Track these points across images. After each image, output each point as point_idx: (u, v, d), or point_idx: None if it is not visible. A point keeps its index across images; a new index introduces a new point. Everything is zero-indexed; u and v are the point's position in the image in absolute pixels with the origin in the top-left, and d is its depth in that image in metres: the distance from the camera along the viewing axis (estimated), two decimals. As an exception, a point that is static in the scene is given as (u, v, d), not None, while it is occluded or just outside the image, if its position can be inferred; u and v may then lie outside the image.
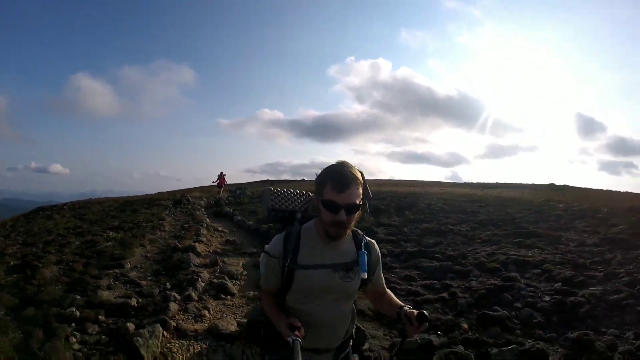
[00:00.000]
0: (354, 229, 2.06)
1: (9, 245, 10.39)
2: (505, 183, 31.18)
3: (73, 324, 5.10)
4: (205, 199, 19.36)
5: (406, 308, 1.98)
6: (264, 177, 25.11)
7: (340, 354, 2.17)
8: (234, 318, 5.67)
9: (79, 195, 23.83)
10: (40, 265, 7.73)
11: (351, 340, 2.25)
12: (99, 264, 7.84)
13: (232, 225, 13.44)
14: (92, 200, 22.79)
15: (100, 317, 5.30)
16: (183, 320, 5.34)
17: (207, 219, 13.88)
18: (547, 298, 6.25)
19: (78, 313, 5.32)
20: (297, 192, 2.43)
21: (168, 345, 4.70)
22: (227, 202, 18.84)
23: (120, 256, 8.19)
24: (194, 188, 29.13)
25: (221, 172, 23.54)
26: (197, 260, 8.15)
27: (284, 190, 2.40)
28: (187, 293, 6.13)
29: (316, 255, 1.98)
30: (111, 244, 9.49)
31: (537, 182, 30.82)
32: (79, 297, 5.94)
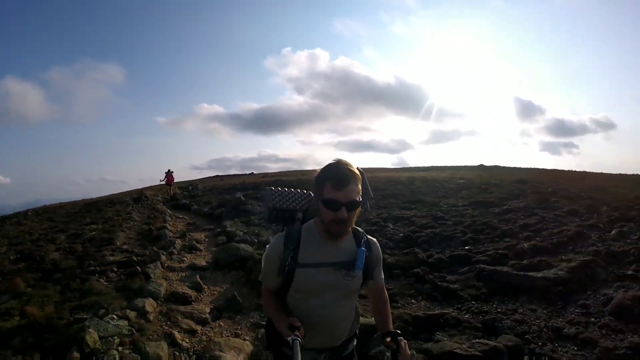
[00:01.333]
0: (355, 227, 2.13)
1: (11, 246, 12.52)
2: (442, 166, 34.35)
3: (96, 275, 7.77)
4: (161, 196, 21.79)
5: (386, 336, 2.09)
6: (211, 173, 25.25)
7: (343, 353, 2.22)
8: (203, 259, 8.72)
9: (23, 205, 24.58)
10: (43, 253, 10.05)
11: (355, 340, 2.31)
12: (94, 245, 10.38)
13: (190, 213, 16.17)
14: (51, 206, 24.16)
15: (114, 268, 8.00)
16: (171, 263, 8.31)
17: (169, 210, 16.46)
18: (401, 234, 9.88)
19: (98, 268, 8.00)
20: (298, 191, 2.45)
21: (165, 274, 7.65)
22: (182, 196, 21.31)
23: (108, 238, 10.74)
24: (145, 188, 30.52)
25: (168, 170, 23.86)
26: (171, 234, 10.98)
27: (285, 190, 2.44)
28: (170, 250, 9.06)
29: (317, 254, 2.03)
30: (95, 233, 11.96)
31: (473, 164, 34.11)
32: (92, 262, 8.56)
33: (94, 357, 4.47)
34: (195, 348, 4.98)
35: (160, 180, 24.05)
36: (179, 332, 5.33)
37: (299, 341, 1.77)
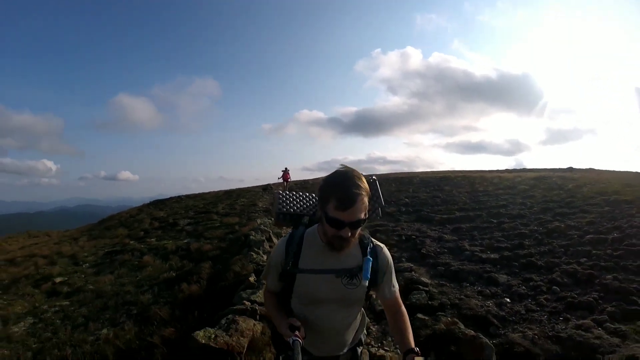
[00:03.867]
0: (360, 232, 2.00)
1: (183, 213, 18.92)
2: (547, 169, 32.12)
3: (258, 220, 13.21)
4: (281, 189, 27.90)
5: (412, 355, 1.90)
6: (322, 174, 28.98)
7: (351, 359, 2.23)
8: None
9: (149, 199, 30.38)
10: (217, 224, 15.33)
11: (361, 347, 2.31)
12: (246, 209, 16.13)
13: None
14: (194, 194, 30.71)
15: (260, 214, 13.45)
16: None
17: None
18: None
19: (253, 215, 13.50)
20: (306, 195, 2.46)
21: None
22: (296, 189, 27.03)
23: (254, 204, 16.52)
24: (263, 185, 34.45)
25: (285, 168, 25.58)
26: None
27: (293, 194, 2.45)
28: None
29: (318, 260, 1.99)
30: (244, 203, 17.91)
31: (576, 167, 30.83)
32: (249, 213, 14.15)
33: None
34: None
35: (278, 178, 25.83)
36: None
37: (299, 342, 1.78)
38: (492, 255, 8.43)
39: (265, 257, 8.07)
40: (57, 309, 7.22)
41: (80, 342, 5.41)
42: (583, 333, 4.92)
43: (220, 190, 30.67)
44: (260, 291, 5.67)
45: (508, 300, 6.22)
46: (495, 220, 11.70)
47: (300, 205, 2.37)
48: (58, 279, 8.99)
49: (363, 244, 2.04)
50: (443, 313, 5.61)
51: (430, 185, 21.75)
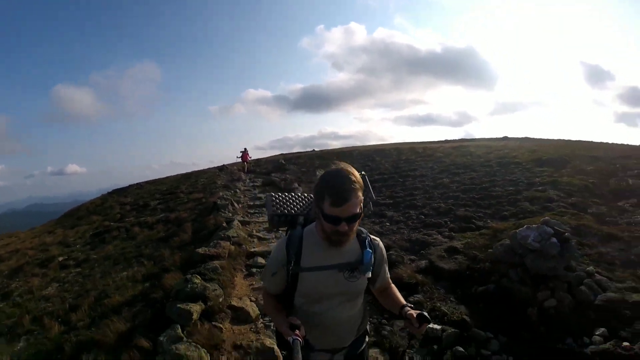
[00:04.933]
0: (357, 227, 2.10)
1: (150, 197, 20.94)
2: (487, 138, 35.30)
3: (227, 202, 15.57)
4: (236, 168, 29.97)
5: (407, 308, 2.09)
6: (275, 152, 29.52)
7: (355, 351, 2.32)
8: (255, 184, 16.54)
9: (102, 190, 30.95)
10: (185, 200, 17.92)
11: (366, 337, 2.41)
12: (210, 187, 18.37)
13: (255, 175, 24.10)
14: (153, 180, 32.32)
15: (221, 188, 15.83)
16: (244, 186, 16.12)
17: (242, 174, 24.44)
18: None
19: (215, 190, 15.83)
20: (298, 195, 2.54)
21: (240, 189, 15.43)
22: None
23: (213, 182, 18.75)
24: (219, 166, 36.25)
25: (245, 149, 26.28)
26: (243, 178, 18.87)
27: (285, 195, 2.51)
28: (242, 183, 16.91)
29: (319, 257, 2.08)
30: (205, 181, 20.11)
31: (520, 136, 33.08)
32: (211, 189, 16.45)
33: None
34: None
35: (237, 157, 26.51)
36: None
37: (299, 341, 1.81)
38: (388, 201, 11.96)
39: (230, 214, 10.57)
40: (74, 274, 9.33)
41: (108, 283, 7.67)
42: (427, 237, 8.19)
43: (178, 174, 32.30)
44: (231, 229, 8.28)
45: (388, 224, 9.62)
46: (401, 180, 15.35)
47: (294, 206, 2.45)
48: (61, 258, 10.93)
49: (361, 237, 2.16)
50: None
51: (366, 156, 24.92)
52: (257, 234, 9.29)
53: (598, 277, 5.70)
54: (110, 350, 4.79)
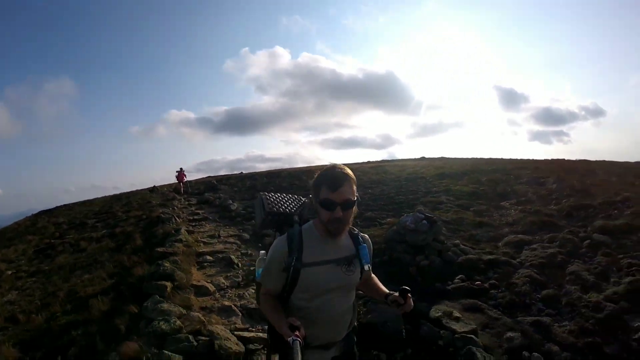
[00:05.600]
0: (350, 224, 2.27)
1: (83, 217, 21.45)
2: (407, 159, 38.75)
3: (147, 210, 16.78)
4: (167, 188, 30.70)
5: (391, 294, 2.33)
6: (202, 175, 29.77)
7: (346, 346, 2.45)
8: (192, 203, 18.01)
9: (18, 215, 30.22)
10: (124, 217, 18.82)
11: (354, 334, 2.54)
12: (141, 205, 19.39)
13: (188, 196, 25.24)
14: (81, 202, 32.23)
15: (158, 208, 17.09)
16: (180, 204, 17.54)
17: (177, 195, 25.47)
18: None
19: (147, 212, 17.04)
20: (289, 196, 2.67)
21: (180, 207, 16.85)
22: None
23: (148, 201, 19.82)
24: (149, 187, 38.10)
25: (180, 168, 26.03)
26: (177, 199, 20.14)
27: (277, 195, 2.62)
28: (179, 200, 18.27)
29: (319, 253, 2.21)
30: (138, 202, 21.02)
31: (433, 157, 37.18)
32: (145, 211, 17.60)
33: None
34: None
35: (176, 176, 26.15)
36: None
37: (299, 341, 1.84)
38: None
39: (174, 225, 12.06)
40: (31, 282, 10.16)
41: (74, 284, 8.78)
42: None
43: (107, 196, 32.50)
44: (180, 235, 9.91)
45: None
46: None
47: (288, 205, 2.57)
48: (9, 272, 11.48)
49: (353, 234, 2.36)
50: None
51: (294, 177, 27.11)
52: (202, 239, 10.93)
53: (462, 246, 8.57)
54: (99, 323, 6.07)
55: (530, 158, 28.79)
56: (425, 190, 15.26)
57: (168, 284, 6.65)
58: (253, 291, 7.15)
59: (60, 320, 6.41)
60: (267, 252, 2.41)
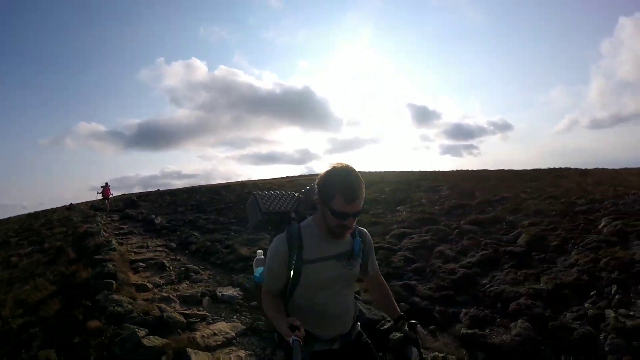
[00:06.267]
0: None
1: (3, 235, 21.25)
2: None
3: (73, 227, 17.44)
4: (84, 206, 30.58)
5: (402, 322, 2.46)
6: (115, 192, 28.55)
7: (352, 337, 2.45)
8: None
9: None
10: (49, 234, 19.13)
11: (358, 322, 2.54)
12: (61, 222, 19.81)
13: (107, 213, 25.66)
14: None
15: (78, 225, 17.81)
16: (103, 220, 18.36)
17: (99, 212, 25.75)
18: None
19: (72, 229, 17.72)
20: (283, 192, 2.69)
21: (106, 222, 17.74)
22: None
23: (68, 218, 20.25)
24: (67, 205, 37.53)
25: (106, 184, 25.32)
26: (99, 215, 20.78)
27: (270, 193, 2.64)
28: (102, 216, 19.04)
29: (320, 249, 2.24)
30: (57, 219, 21.29)
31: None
32: (71, 230, 18.19)
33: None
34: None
35: (98, 193, 25.69)
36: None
37: (299, 341, 1.86)
38: (232, 220, 16.15)
39: (104, 238, 13.20)
40: None
41: (15, 295, 9.69)
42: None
43: (22, 214, 31.51)
44: (112, 246, 11.20)
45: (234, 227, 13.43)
46: (242, 206, 19.86)
47: (283, 203, 2.61)
48: None
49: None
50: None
51: (213, 191, 28.71)
52: (132, 250, 12.24)
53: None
54: (56, 317, 6.82)
55: (439, 170, 32.42)
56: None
57: (113, 281, 8.04)
58: (187, 285, 8.85)
59: (15, 323, 6.87)
60: (264, 252, 2.51)
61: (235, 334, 6.16)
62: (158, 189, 41.73)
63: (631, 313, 5.42)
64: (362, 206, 2.14)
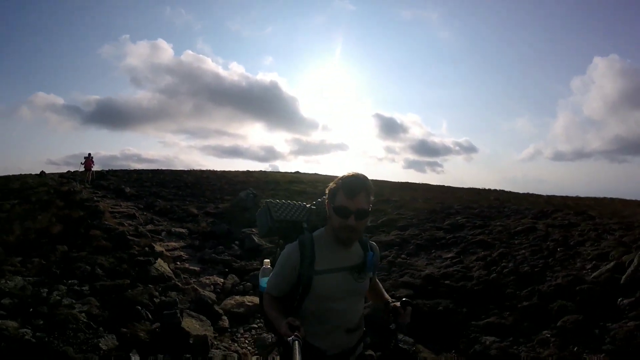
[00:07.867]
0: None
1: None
2: (288, 172, 42.67)
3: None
4: (52, 176, 33.35)
5: (391, 302, 2.38)
6: (69, 168, 29.19)
7: (358, 350, 2.43)
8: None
9: None
10: (31, 192, 22.45)
11: (365, 336, 2.49)
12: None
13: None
14: None
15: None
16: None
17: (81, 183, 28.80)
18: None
19: (47, 195, 21.22)
20: (295, 203, 2.69)
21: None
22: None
23: (47, 184, 23.57)
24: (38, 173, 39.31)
25: (89, 154, 24.95)
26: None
27: (282, 202, 2.67)
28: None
29: (331, 260, 2.23)
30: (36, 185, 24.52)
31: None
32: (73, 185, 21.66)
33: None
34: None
35: (81, 163, 25.24)
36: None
37: (299, 341, 1.84)
38: (191, 199, 20.38)
39: (87, 195, 16.87)
40: None
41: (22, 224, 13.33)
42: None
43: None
44: (95, 201, 15.04)
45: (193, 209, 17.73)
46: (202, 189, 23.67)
47: (294, 212, 2.62)
48: None
49: (362, 241, 2.37)
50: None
51: (177, 175, 31.62)
52: (109, 207, 15.96)
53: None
54: (62, 233, 11.26)
55: (405, 181, 34.66)
56: (284, 191, 21.45)
57: (102, 214, 12.07)
58: (151, 227, 12.74)
59: (30, 237, 11.20)
60: (271, 262, 2.59)
61: (179, 247, 10.41)
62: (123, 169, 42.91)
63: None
64: (367, 207, 2.17)
